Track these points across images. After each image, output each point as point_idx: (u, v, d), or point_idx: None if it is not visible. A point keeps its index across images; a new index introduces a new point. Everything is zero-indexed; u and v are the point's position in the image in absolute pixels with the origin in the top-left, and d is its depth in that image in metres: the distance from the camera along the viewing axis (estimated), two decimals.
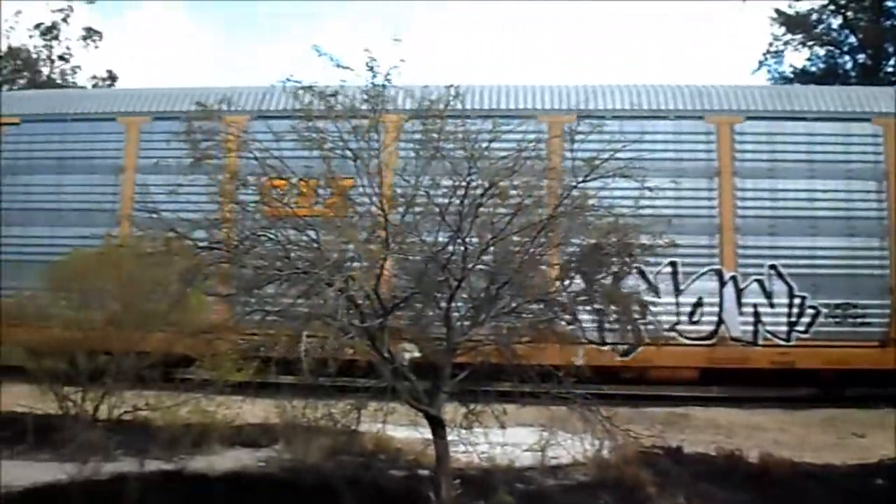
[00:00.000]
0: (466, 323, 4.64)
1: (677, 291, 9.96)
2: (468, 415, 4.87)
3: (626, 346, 8.55)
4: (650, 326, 5.45)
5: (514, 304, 4.68)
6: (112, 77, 27.68)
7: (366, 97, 4.31)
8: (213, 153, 4.26)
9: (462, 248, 4.31)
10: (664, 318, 9.56)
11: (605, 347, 8.52)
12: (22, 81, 26.88)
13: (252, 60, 44.41)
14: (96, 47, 29.21)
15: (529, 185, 4.41)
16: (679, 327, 9.88)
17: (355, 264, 4.40)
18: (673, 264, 9.85)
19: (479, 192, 4.23)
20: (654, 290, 8.97)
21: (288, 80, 4.38)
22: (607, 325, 5.59)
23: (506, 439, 5.57)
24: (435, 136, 4.26)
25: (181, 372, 6.36)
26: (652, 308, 5.18)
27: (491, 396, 5.05)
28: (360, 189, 4.49)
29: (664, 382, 9.92)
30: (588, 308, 5.06)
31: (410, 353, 4.77)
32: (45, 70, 28.52)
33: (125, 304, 5.86)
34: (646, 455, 5.91)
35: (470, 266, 4.34)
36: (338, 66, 4.24)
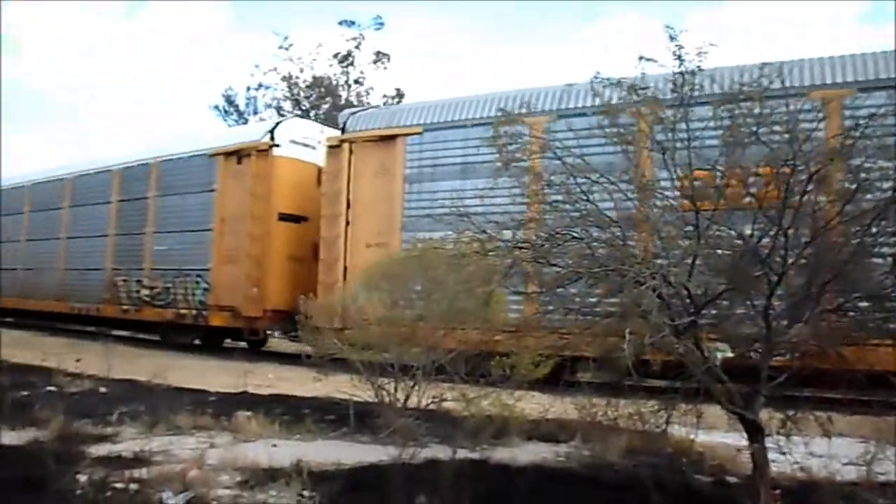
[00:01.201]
0: (784, 322, 4.29)
1: None
2: (786, 421, 4.50)
3: None
4: None
5: (840, 301, 4.25)
6: (400, 94, 30.01)
7: (672, 86, 4.18)
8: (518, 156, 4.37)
9: (783, 239, 3.99)
10: None
11: None
12: (325, 106, 30.04)
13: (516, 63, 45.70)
14: (385, 68, 31.94)
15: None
16: None
17: (660, 261, 4.28)
18: None
19: (803, 177, 3.89)
20: None
21: (596, 76, 4.37)
22: None
23: (821, 450, 5.09)
24: (751, 120, 3.99)
25: (482, 366, 6.62)
26: None
27: (811, 402, 4.63)
28: (667, 182, 4.35)
29: None
30: None
31: (723, 352, 4.51)
32: (344, 94, 31.67)
33: (433, 302, 6.24)
34: None
35: (792, 260, 4.00)
36: (640, 58, 4.15)
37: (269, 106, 33.44)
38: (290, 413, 7.20)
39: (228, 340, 16.04)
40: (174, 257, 15.63)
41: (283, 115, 31.64)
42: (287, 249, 14.25)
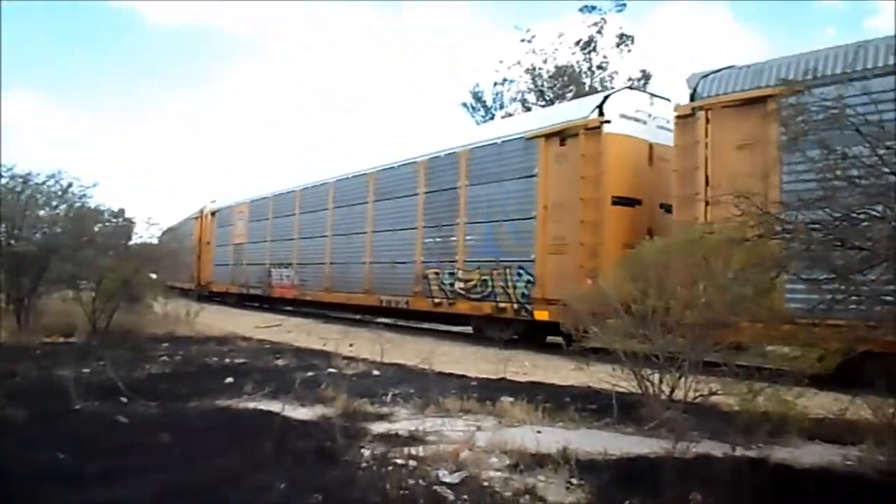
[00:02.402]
0: None
1: None
2: None
3: None
4: None
5: None
6: (646, 76, 29.05)
7: None
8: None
9: None
10: None
11: None
12: (569, 95, 29.95)
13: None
14: (629, 51, 31.12)
15: None
16: None
17: None
18: None
19: None
20: None
21: None
22: None
23: None
24: None
25: (753, 359, 6.20)
26: None
27: None
28: None
29: None
30: None
31: None
32: (587, 81, 31.35)
33: (700, 291, 5.94)
34: None
35: None
36: None
37: (515, 100, 34.05)
38: (551, 400, 7.26)
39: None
40: (491, 248, 14.80)
41: (527, 108, 32.07)
42: (622, 236, 12.42)
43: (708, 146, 10.90)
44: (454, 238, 15.85)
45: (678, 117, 11.60)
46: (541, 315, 13.38)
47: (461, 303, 15.49)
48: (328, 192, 21.51)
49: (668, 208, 12.30)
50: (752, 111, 10.15)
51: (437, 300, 16.20)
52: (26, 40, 76.21)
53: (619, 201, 12.92)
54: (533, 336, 13.98)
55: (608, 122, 12.89)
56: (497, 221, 14.67)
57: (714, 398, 6.35)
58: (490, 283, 14.68)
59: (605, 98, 13.44)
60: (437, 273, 16.25)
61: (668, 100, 13.48)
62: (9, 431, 5.73)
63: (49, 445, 5.22)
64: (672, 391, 6.37)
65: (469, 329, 16.33)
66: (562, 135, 13.55)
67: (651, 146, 13.33)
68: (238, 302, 27.69)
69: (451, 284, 15.75)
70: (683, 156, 11.39)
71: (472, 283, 15.14)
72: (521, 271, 13.96)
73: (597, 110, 13.10)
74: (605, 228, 12.68)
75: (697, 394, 6.32)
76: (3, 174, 14.63)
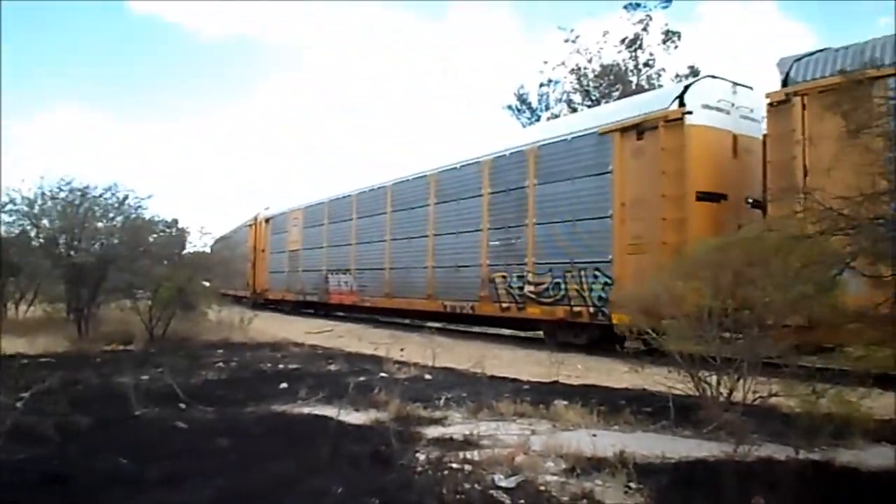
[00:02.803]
0: None
1: None
2: None
3: None
4: None
5: None
6: (694, 72, 28.57)
7: None
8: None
9: None
10: None
11: None
12: (616, 94, 29.64)
13: None
14: (676, 47, 30.71)
15: None
16: None
17: None
18: None
19: None
20: None
21: None
22: None
23: None
24: None
25: (816, 360, 6.03)
26: None
27: None
28: None
29: None
30: None
31: None
32: (633, 79, 31.00)
33: (758, 289, 5.80)
34: None
35: None
36: None
37: (560, 100, 33.86)
38: (606, 403, 7.17)
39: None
40: (563, 249, 14.02)
41: (573, 109, 31.83)
42: (707, 234, 11.18)
43: (805, 134, 10.14)
44: (523, 239, 15.16)
45: (770, 104, 10.86)
46: (620, 319, 12.35)
47: (531, 307, 14.78)
48: (386, 195, 20.96)
49: (754, 203, 11.83)
50: (852, 95, 9.13)
51: (504, 304, 15.57)
52: (68, 50, 78.29)
53: (703, 196, 12.10)
54: (609, 341, 12.78)
55: (690, 112, 12.14)
56: (570, 221, 13.94)
57: (773, 400, 6.20)
58: (563, 286, 13.97)
59: (686, 88, 12.73)
60: (504, 276, 15.59)
61: (750, 88, 12.86)
62: (72, 438, 5.86)
63: (111, 451, 5.33)
64: (730, 393, 6.23)
65: (536, 334, 15.97)
66: (639, 128, 12.83)
67: (735, 137, 12.62)
68: (294, 309, 27.60)
69: (521, 288, 15.05)
70: (777, 146, 10.68)
71: (544, 286, 14.43)
72: (598, 273, 13.25)
73: (677, 101, 12.40)
74: (689, 226, 11.83)
75: (757, 395, 6.17)
76: (63, 188, 15.10)
